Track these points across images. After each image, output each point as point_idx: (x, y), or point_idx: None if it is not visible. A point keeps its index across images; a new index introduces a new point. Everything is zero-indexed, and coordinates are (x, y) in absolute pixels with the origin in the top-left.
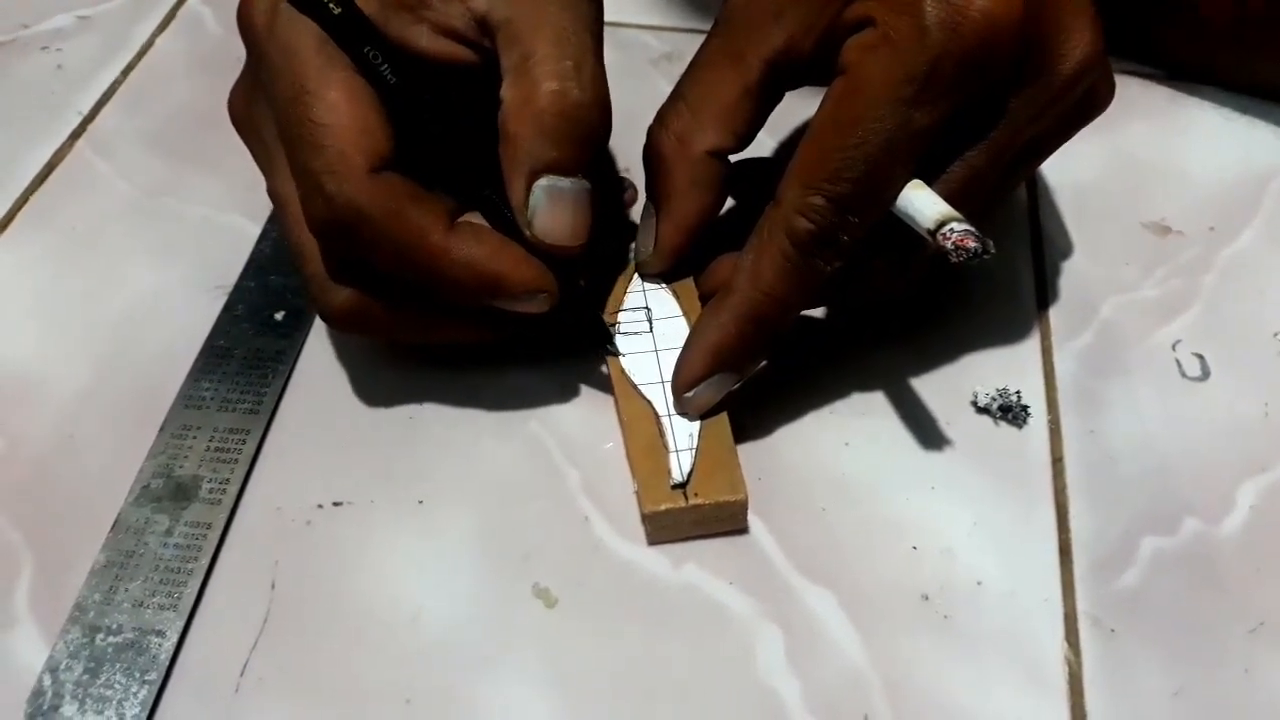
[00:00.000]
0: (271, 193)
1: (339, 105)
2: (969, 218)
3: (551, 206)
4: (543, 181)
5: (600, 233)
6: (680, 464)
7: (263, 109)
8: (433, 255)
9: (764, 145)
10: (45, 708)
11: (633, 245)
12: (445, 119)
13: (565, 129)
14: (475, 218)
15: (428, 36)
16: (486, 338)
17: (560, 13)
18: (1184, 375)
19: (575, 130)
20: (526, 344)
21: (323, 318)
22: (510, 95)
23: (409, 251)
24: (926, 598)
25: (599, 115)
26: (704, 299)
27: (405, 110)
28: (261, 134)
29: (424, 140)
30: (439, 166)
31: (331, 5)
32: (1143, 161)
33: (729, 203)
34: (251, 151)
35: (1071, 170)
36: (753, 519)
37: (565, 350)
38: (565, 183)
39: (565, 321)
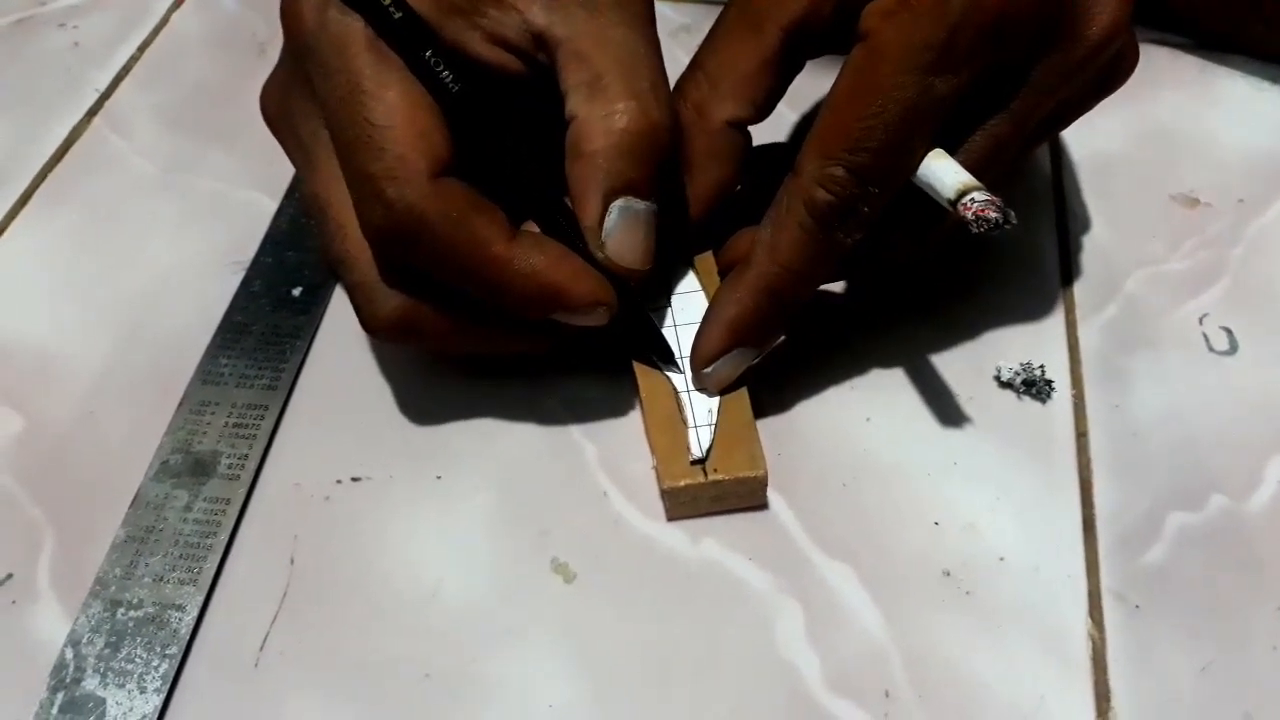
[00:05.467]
0: (310, 196)
1: (398, 107)
2: (990, 186)
3: (626, 229)
4: (619, 202)
5: (662, 256)
6: (699, 439)
7: (302, 106)
8: (495, 265)
9: (784, 117)
10: (67, 681)
11: None
12: (494, 127)
13: (644, 149)
14: (531, 228)
15: (479, 43)
16: (538, 349)
17: (628, 32)
18: (1211, 349)
19: (654, 151)
20: (574, 354)
21: (369, 329)
22: (585, 113)
23: (471, 261)
24: (948, 573)
25: (672, 139)
26: (723, 273)
27: (463, 116)
28: (300, 133)
29: (480, 148)
30: (492, 176)
31: (391, 9)
32: (1171, 132)
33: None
34: (287, 151)
35: (1098, 141)
36: (772, 495)
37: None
38: (640, 205)
39: (620, 335)
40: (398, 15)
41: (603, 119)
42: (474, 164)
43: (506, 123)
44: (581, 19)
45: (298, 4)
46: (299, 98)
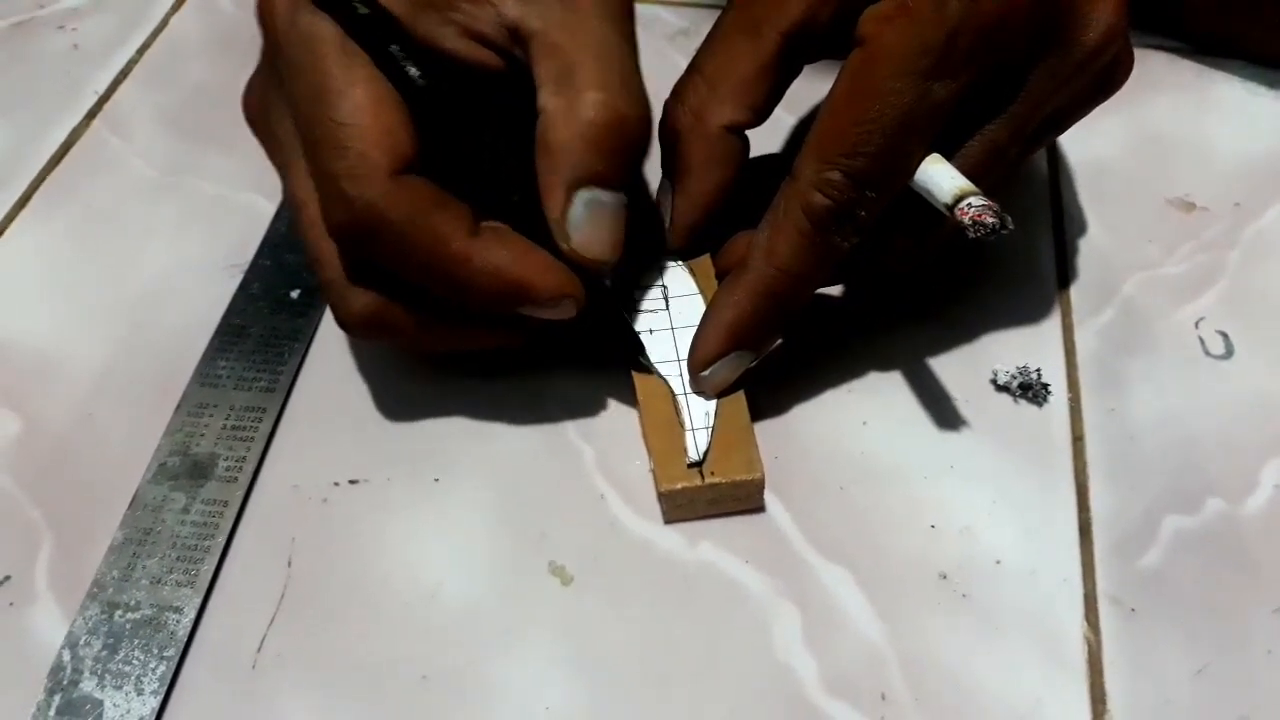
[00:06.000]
0: (288, 194)
1: (362, 105)
2: (987, 191)
3: (591, 220)
4: (584, 194)
5: (630, 248)
6: (696, 442)
7: (279, 106)
8: (456, 262)
9: (782, 121)
10: (65, 682)
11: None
12: (469, 123)
13: (611, 142)
14: (498, 224)
15: (454, 38)
16: (511, 343)
17: (600, 24)
18: (1207, 353)
19: (621, 143)
20: (551, 349)
21: (341, 325)
22: (553, 104)
23: (432, 258)
24: (945, 576)
25: (644, 130)
26: (720, 276)
27: (429, 112)
28: (277, 133)
29: (447, 144)
30: (461, 171)
31: (358, 4)
32: (1167, 137)
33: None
34: (267, 151)
35: (1094, 146)
36: (769, 497)
37: (588, 346)
38: (606, 196)
39: (591, 328)
40: (363, 11)
41: (569, 110)
42: (447, 160)
43: (481, 118)
44: (556, 12)
45: (270, 3)
46: (276, 97)
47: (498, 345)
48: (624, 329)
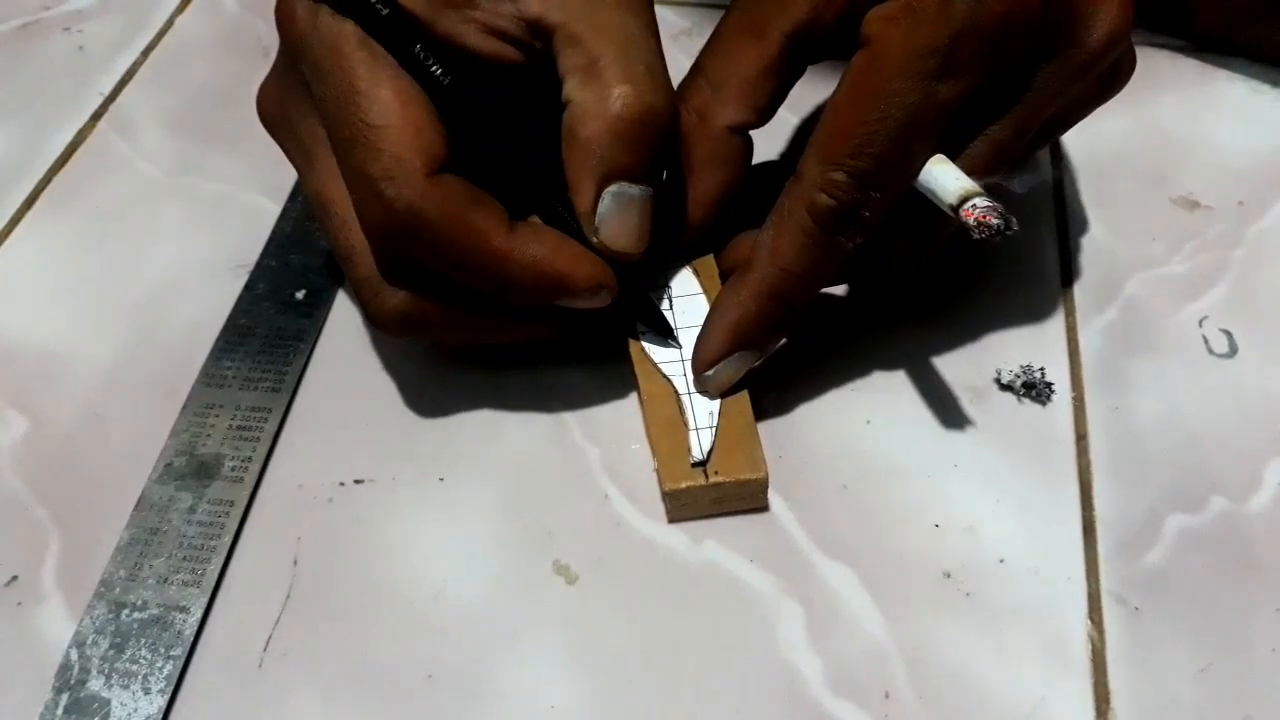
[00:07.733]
0: (312, 193)
1: (392, 106)
2: (990, 191)
3: (620, 213)
4: (613, 188)
5: (657, 238)
6: (700, 442)
7: (299, 107)
8: (496, 258)
9: (785, 122)
10: (72, 682)
11: None
12: (491, 119)
13: (639, 134)
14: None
15: (475, 35)
16: (543, 336)
17: (623, 15)
18: (1211, 352)
19: (648, 136)
20: (582, 342)
21: (374, 323)
22: (579, 97)
23: (472, 255)
24: (948, 575)
25: (670, 120)
26: (724, 276)
27: (456, 110)
28: (298, 133)
29: (479, 140)
30: (486, 167)
31: (379, 6)
32: (1170, 135)
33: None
34: (286, 152)
35: (1098, 145)
36: (773, 496)
37: (603, 337)
38: (634, 189)
39: (621, 314)
40: (385, 12)
41: (597, 104)
42: (473, 156)
43: (506, 113)
44: (576, 3)
45: (290, 7)
46: (296, 99)
47: (529, 338)
48: (653, 313)
